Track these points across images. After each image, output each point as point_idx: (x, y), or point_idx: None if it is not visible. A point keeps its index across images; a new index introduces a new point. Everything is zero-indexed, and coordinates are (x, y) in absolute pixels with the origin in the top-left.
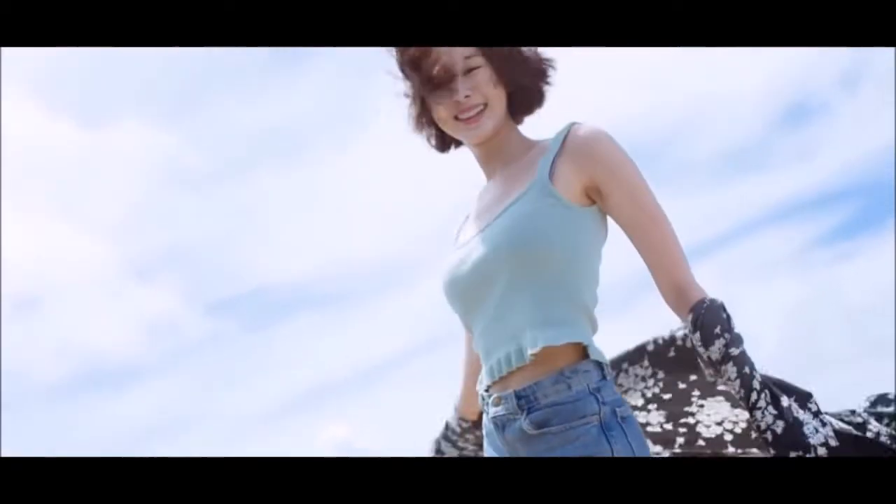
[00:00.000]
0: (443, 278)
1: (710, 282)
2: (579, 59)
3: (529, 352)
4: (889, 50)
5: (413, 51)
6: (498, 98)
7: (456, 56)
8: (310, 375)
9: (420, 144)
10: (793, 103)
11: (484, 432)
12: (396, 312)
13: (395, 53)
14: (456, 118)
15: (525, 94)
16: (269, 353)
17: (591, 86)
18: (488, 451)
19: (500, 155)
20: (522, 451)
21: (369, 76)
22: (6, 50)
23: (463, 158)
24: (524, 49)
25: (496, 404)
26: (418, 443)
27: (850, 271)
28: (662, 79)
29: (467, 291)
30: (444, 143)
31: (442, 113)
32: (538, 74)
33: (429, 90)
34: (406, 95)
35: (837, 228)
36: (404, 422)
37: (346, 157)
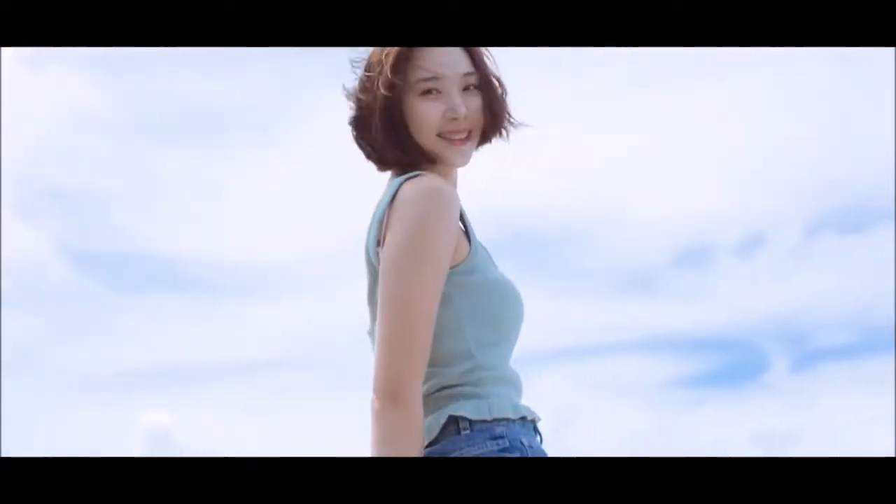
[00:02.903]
0: (515, 291)
1: (560, 386)
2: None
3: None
4: None
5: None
6: (480, 127)
7: (457, 69)
8: (152, 354)
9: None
10: (692, 246)
11: (534, 450)
12: (260, 319)
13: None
14: (441, 135)
15: (490, 131)
16: (124, 320)
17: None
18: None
19: (452, 182)
20: None
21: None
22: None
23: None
24: (504, 91)
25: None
26: (237, 448)
27: (695, 418)
28: (584, 183)
29: (523, 319)
30: (387, 158)
31: (430, 122)
32: (504, 120)
33: (417, 94)
34: (363, 94)
35: (699, 375)
36: (229, 427)
37: (269, 151)
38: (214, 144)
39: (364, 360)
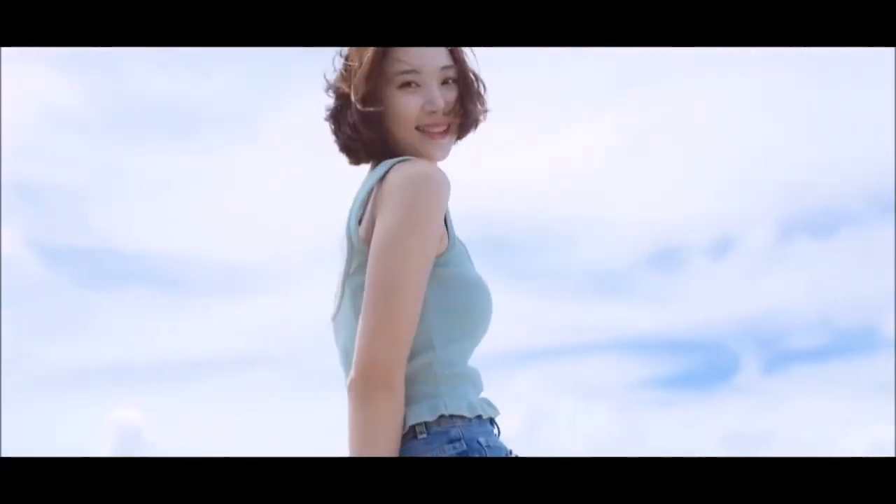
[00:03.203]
0: (486, 291)
1: (532, 387)
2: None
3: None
4: None
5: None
6: (458, 121)
7: (435, 62)
8: (123, 351)
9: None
10: (664, 248)
11: (492, 448)
12: (231, 317)
13: None
14: (419, 128)
15: (468, 125)
16: (95, 316)
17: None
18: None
19: None
20: None
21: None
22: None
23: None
24: (482, 85)
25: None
26: (208, 446)
27: (665, 419)
28: (557, 184)
29: (490, 320)
30: (363, 151)
31: (408, 115)
32: (481, 114)
33: (396, 86)
34: (342, 84)
35: (670, 377)
36: (200, 424)
37: (241, 149)
38: (186, 141)
39: (334, 358)
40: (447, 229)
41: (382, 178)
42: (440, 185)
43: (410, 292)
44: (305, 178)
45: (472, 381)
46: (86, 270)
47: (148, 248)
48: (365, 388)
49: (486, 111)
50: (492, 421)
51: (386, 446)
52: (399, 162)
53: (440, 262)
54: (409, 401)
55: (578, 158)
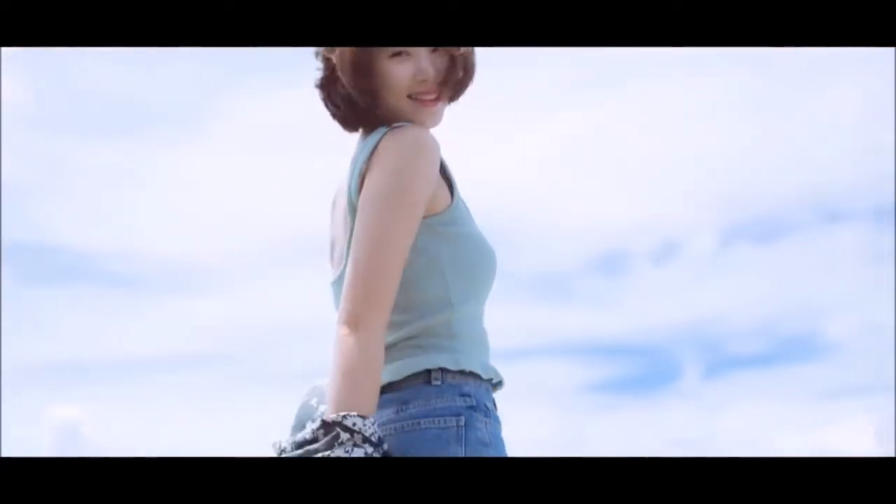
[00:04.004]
0: (492, 251)
1: None
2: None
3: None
4: None
5: None
6: (448, 89)
7: None
8: (63, 349)
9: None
10: (608, 253)
11: (494, 416)
12: (175, 315)
13: None
14: (411, 96)
15: (458, 92)
16: (35, 313)
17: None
18: (500, 435)
19: None
20: None
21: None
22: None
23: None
24: (475, 52)
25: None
26: (149, 443)
27: (607, 423)
28: (502, 188)
29: (494, 280)
30: (355, 119)
31: (399, 84)
32: (468, 82)
33: (387, 56)
34: (332, 53)
35: (612, 381)
36: (142, 422)
37: (189, 147)
38: (134, 138)
39: (282, 357)
40: (451, 189)
41: (377, 144)
42: (428, 148)
43: (393, 245)
44: (255, 176)
45: (484, 343)
46: (30, 267)
47: (94, 246)
48: (342, 332)
49: (471, 80)
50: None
51: (365, 380)
52: (394, 128)
53: (444, 220)
54: (426, 349)
55: (522, 163)
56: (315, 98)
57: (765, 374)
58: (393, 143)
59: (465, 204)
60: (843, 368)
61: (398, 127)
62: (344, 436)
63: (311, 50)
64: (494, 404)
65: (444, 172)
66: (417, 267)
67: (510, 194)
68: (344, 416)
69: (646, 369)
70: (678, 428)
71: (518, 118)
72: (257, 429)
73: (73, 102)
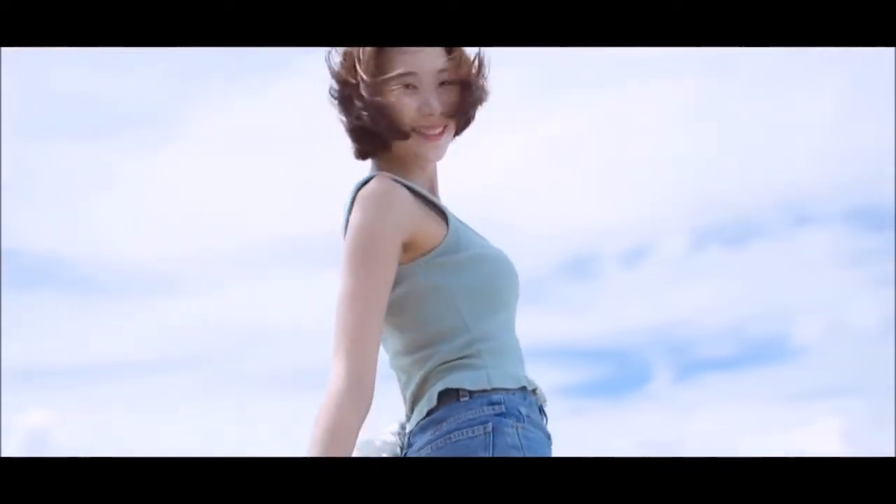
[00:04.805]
0: (505, 261)
1: None
2: None
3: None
4: None
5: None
6: (455, 122)
7: (432, 65)
8: (32, 354)
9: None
10: (578, 256)
11: (531, 420)
12: (143, 319)
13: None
14: (415, 130)
15: (463, 124)
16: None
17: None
18: (540, 439)
19: (427, 175)
20: None
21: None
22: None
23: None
24: (484, 77)
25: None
26: (121, 449)
27: (576, 428)
28: (470, 192)
29: (518, 288)
30: (369, 151)
31: (404, 119)
32: (474, 115)
33: (393, 91)
34: (340, 91)
35: (581, 385)
36: (112, 426)
37: (155, 149)
38: (99, 140)
39: (256, 361)
40: (446, 221)
41: (352, 200)
42: (387, 202)
43: (368, 304)
44: (221, 180)
45: (514, 354)
46: None
47: (59, 250)
48: (342, 387)
49: (481, 106)
50: (536, 401)
51: (335, 443)
52: (365, 182)
53: (443, 251)
54: (452, 370)
55: (491, 166)
56: (286, 101)
57: (735, 376)
58: (359, 200)
59: (463, 225)
60: (813, 370)
61: (365, 182)
62: None
63: (285, 51)
64: (541, 410)
65: (432, 205)
66: (429, 303)
67: (477, 199)
68: None
69: (616, 373)
70: (649, 431)
71: (484, 122)
72: (231, 432)
73: (39, 104)
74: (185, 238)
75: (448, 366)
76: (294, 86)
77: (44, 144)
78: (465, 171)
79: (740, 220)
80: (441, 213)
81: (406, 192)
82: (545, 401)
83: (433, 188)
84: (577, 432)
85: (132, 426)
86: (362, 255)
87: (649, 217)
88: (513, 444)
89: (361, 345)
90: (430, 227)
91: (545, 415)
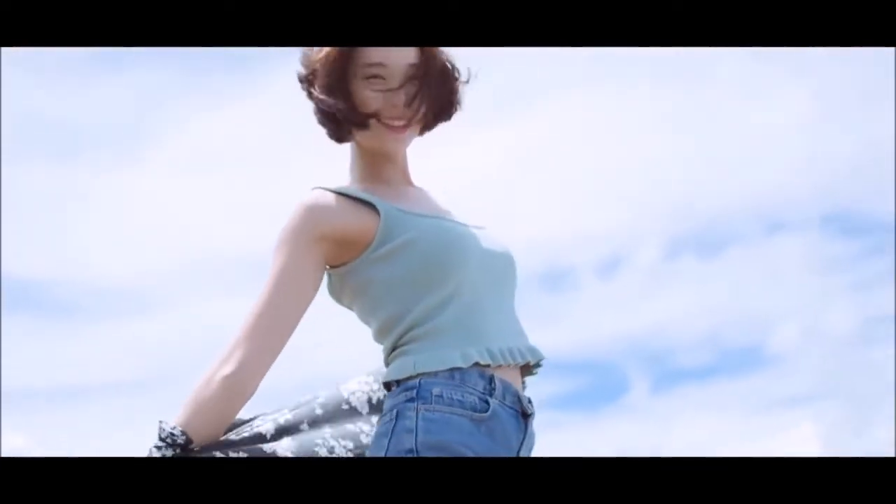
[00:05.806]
0: (444, 236)
1: None
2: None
3: (542, 357)
4: None
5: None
6: (421, 118)
7: (403, 59)
8: (6, 377)
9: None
10: (551, 267)
11: (444, 400)
12: (115, 340)
13: None
14: (379, 119)
15: (432, 121)
16: None
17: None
18: (452, 419)
19: (398, 165)
20: (521, 449)
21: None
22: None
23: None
24: (458, 77)
25: (511, 388)
26: None
27: (554, 440)
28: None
29: (496, 267)
30: (333, 135)
31: (367, 108)
32: (452, 107)
33: (361, 80)
34: (306, 74)
35: (559, 397)
36: (90, 447)
37: (129, 170)
38: (69, 161)
39: None
40: (380, 219)
41: None
42: (302, 220)
43: (280, 314)
44: (194, 198)
45: (456, 330)
46: None
47: (31, 272)
48: (225, 371)
49: (457, 105)
50: (484, 373)
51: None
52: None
53: (377, 245)
54: (393, 360)
55: (466, 176)
56: (249, 117)
57: (711, 385)
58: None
59: (401, 209)
60: (789, 377)
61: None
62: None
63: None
64: (485, 390)
65: (365, 203)
66: (371, 297)
67: (452, 209)
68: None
69: (593, 384)
70: (628, 442)
71: (459, 130)
72: None
73: (3, 123)
74: (158, 258)
75: (392, 356)
76: (263, 102)
77: (12, 166)
78: (434, 181)
79: (714, 228)
80: (370, 205)
81: (331, 197)
82: (513, 363)
83: (405, 177)
84: (555, 445)
85: (109, 447)
86: (274, 272)
87: (623, 227)
88: (409, 427)
89: (266, 355)
90: (361, 224)
91: (510, 384)
